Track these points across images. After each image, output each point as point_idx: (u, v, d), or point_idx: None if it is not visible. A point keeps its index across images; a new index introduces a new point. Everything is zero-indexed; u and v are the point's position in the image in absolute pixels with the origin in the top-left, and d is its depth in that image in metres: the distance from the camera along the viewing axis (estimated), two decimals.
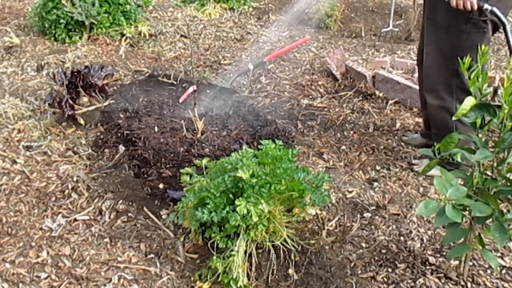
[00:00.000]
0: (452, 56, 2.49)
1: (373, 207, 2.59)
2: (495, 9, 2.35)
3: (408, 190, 2.73)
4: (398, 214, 2.55)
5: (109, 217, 2.48)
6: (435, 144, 2.46)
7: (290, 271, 2.17)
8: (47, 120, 3.21)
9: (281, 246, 2.15)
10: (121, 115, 3.27)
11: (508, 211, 1.88)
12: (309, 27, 4.90)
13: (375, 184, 2.77)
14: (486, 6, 2.35)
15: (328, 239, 2.35)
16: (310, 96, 3.64)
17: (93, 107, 3.34)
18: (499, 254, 2.29)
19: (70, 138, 3.07)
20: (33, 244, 2.32)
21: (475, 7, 2.35)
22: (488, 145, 1.87)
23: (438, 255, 2.29)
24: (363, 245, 2.35)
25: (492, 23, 2.48)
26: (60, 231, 2.40)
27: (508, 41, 2.40)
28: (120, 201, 2.57)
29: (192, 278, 2.15)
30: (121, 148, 2.95)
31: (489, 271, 2.20)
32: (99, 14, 4.22)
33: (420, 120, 3.33)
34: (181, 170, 2.35)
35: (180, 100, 3.43)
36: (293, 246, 2.17)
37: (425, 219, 2.51)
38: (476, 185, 1.89)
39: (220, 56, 4.22)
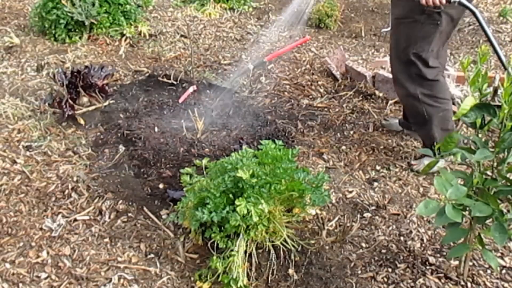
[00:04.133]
0: (408, 46, 2.65)
1: (373, 207, 2.59)
2: (463, 0, 2.43)
3: (408, 190, 2.73)
4: (398, 214, 2.55)
5: (109, 217, 2.48)
6: (418, 134, 2.78)
7: (290, 271, 2.17)
8: (47, 120, 3.21)
9: (281, 246, 2.15)
10: (121, 115, 3.27)
11: (508, 211, 1.88)
12: (309, 27, 4.90)
13: (375, 184, 2.77)
14: None
15: (328, 239, 2.35)
16: (310, 96, 3.64)
17: (93, 107, 3.34)
18: (499, 254, 2.29)
19: (70, 138, 3.07)
20: (33, 244, 2.32)
21: (444, 1, 2.42)
22: (488, 145, 1.87)
23: (438, 255, 2.29)
24: (363, 245, 2.35)
25: (448, 16, 2.56)
26: (60, 231, 2.40)
27: (481, 27, 2.49)
28: (120, 201, 2.57)
29: (192, 278, 2.15)
30: (121, 148, 2.95)
31: (489, 271, 2.20)
32: (99, 14, 4.22)
33: None
34: (181, 170, 2.35)
35: (180, 100, 3.43)
36: (293, 246, 2.18)
37: (425, 219, 2.51)
38: (476, 185, 1.89)
39: (220, 56, 4.22)
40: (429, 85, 2.71)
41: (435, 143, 2.50)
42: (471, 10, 2.46)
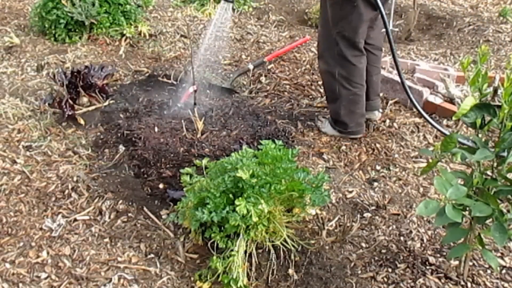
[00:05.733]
0: (333, 26, 2.89)
1: (373, 207, 2.59)
2: None
3: (408, 190, 2.73)
4: (398, 214, 2.55)
5: (109, 217, 2.48)
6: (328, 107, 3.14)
7: (290, 271, 2.17)
8: (47, 120, 3.21)
9: (281, 246, 2.15)
10: (121, 115, 3.27)
11: (508, 211, 1.87)
12: (309, 27, 4.90)
13: (375, 184, 2.77)
14: None
15: (328, 239, 2.35)
16: (310, 96, 3.64)
17: (93, 107, 3.34)
18: (499, 254, 2.29)
19: (70, 138, 3.07)
20: (33, 244, 2.32)
21: None
22: (488, 145, 1.87)
23: (438, 255, 2.29)
24: (363, 245, 2.35)
25: (364, 0, 2.74)
26: (60, 231, 2.40)
27: (381, 14, 2.71)
28: (120, 201, 2.57)
29: (192, 278, 2.15)
30: (121, 148, 2.96)
31: (489, 271, 2.20)
32: (99, 14, 4.22)
33: (419, 120, 3.34)
34: (181, 170, 2.35)
35: (180, 101, 3.42)
36: (293, 246, 2.18)
37: (425, 219, 2.51)
38: (476, 185, 1.89)
39: (220, 56, 4.22)
40: (348, 67, 2.94)
41: (339, 119, 3.07)
42: None
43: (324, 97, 3.28)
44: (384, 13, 2.71)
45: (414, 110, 3.45)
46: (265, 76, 3.89)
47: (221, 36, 4.09)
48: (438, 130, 3.01)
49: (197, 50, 3.84)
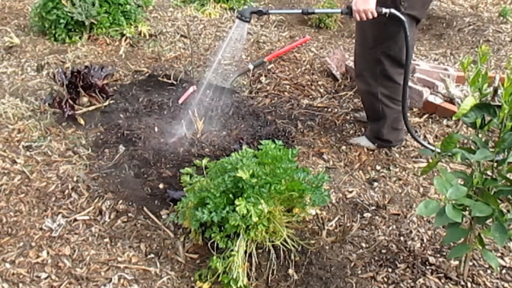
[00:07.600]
0: (375, 46, 2.74)
1: (373, 207, 2.59)
2: (393, 11, 2.53)
3: (408, 190, 2.73)
4: (398, 214, 2.55)
5: (109, 217, 2.49)
6: (369, 124, 3.03)
7: (290, 271, 2.17)
8: (47, 120, 3.21)
9: (281, 246, 2.15)
10: (121, 115, 3.27)
11: (508, 211, 1.87)
12: (309, 27, 4.90)
13: (375, 184, 2.77)
14: (384, 10, 2.52)
15: (328, 239, 2.35)
16: (310, 96, 3.64)
17: (93, 107, 3.34)
18: (499, 254, 2.29)
19: (70, 138, 3.07)
20: (33, 244, 2.32)
21: (375, 14, 2.51)
22: (488, 145, 1.87)
23: (438, 255, 2.29)
24: (363, 245, 2.35)
25: (410, 17, 2.63)
26: (60, 231, 2.40)
27: (405, 35, 2.58)
28: (120, 201, 2.57)
29: (192, 278, 2.15)
30: (121, 148, 2.95)
31: (489, 271, 2.20)
32: (99, 14, 4.22)
33: (420, 119, 3.34)
34: (181, 170, 2.35)
35: (180, 101, 3.43)
36: (293, 246, 2.18)
37: (425, 219, 2.51)
38: (476, 185, 1.89)
39: (220, 56, 4.22)
40: (391, 87, 2.82)
41: (382, 138, 2.97)
42: (400, 19, 2.55)
43: (366, 114, 3.12)
44: (407, 31, 2.56)
45: (414, 110, 3.46)
46: (265, 76, 3.89)
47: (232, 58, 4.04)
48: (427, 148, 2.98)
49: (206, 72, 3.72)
